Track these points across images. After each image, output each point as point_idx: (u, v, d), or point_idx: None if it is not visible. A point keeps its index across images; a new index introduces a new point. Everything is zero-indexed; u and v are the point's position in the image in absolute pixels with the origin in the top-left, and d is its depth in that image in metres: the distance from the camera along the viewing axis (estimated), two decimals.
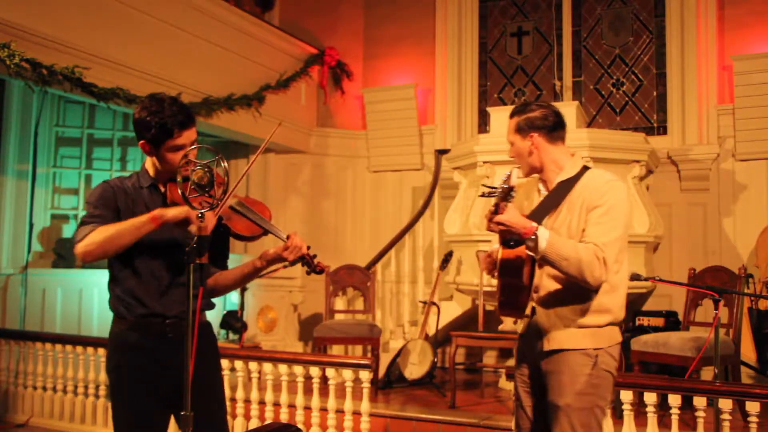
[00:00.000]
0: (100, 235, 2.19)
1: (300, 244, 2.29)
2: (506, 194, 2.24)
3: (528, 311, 2.48)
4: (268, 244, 2.38)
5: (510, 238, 2.29)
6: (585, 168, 2.51)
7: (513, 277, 2.32)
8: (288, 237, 2.30)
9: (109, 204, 2.31)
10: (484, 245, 4.42)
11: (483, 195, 2.34)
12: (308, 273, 2.39)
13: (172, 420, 2.40)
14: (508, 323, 4.78)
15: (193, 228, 2.10)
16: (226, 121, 5.76)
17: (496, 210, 2.25)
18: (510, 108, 2.63)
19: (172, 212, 2.18)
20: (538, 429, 2.51)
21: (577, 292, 2.38)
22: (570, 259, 2.27)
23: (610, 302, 2.42)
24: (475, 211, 5.20)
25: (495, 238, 2.64)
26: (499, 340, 4.91)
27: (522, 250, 2.29)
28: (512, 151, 2.58)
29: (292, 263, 2.34)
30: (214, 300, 2.52)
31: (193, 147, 2.22)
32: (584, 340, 2.39)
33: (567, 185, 2.46)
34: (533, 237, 2.26)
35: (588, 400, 2.37)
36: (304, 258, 2.33)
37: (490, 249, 2.52)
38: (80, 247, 2.20)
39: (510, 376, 2.58)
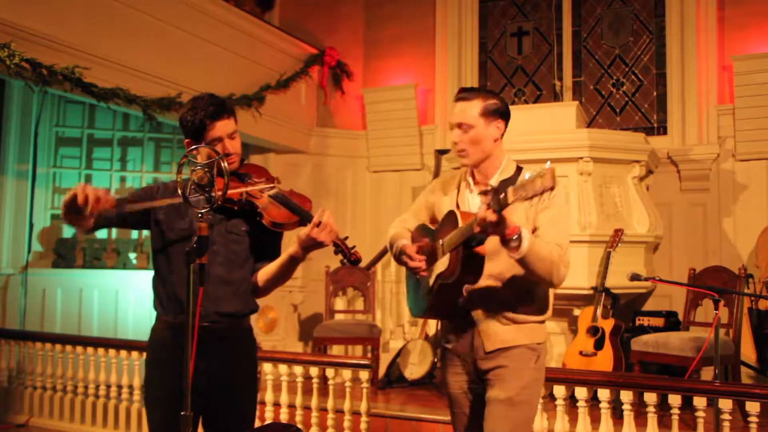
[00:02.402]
0: None
1: (331, 222, 2.18)
2: (542, 193, 1.91)
3: (460, 315, 2.41)
4: None
5: (477, 236, 2.13)
6: (519, 168, 2.41)
7: (473, 274, 2.23)
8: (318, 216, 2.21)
9: (141, 195, 2.38)
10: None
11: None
12: (343, 263, 2.34)
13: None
14: None
15: (80, 201, 2.06)
16: None
17: (502, 207, 2.00)
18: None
19: (66, 197, 2.14)
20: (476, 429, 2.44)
21: (518, 290, 2.34)
22: (545, 260, 2.19)
23: (547, 298, 2.42)
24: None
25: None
26: None
27: (482, 249, 2.19)
28: (467, 136, 2.34)
29: (334, 251, 2.28)
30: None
31: (192, 148, 2.17)
32: (527, 335, 2.36)
33: (509, 184, 2.26)
34: (516, 237, 2.11)
35: (529, 394, 2.35)
36: (339, 245, 2.28)
37: (402, 232, 2.48)
38: None
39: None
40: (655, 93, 6.24)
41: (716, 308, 3.28)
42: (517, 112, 5.59)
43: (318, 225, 2.17)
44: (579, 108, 5.55)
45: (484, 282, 2.33)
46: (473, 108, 2.34)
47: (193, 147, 2.19)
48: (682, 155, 5.83)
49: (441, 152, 6.16)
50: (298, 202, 2.36)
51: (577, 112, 5.41)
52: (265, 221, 2.30)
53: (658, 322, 5.04)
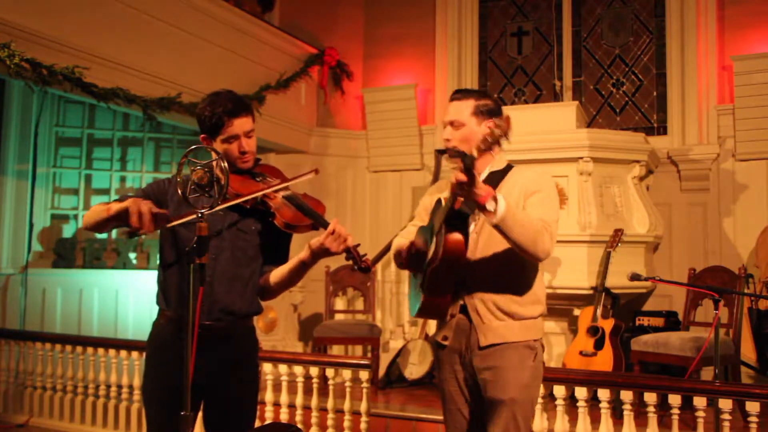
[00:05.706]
0: (90, 210, 2.30)
1: (343, 232, 2.20)
2: (501, 137, 2.02)
3: (455, 310, 2.39)
4: None
5: (458, 211, 2.18)
6: (510, 165, 2.48)
7: (455, 262, 2.22)
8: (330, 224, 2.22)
9: (151, 193, 2.33)
10: None
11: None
12: (353, 269, 2.33)
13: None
14: None
15: (133, 222, 2.06)
16: None
17: (471, 165, 2.02)
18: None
19: (116, 206, 2.15)
20: (473, 428, 2.46)
21: (510, 283, 2.34)
22: (525, 225, 2.17)
23: (541, 293, 2.41)
24: None
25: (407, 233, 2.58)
26: None
27: (461, 238, 2.22)
28: (458, 134, 2.43)
29: (345, 256, 2.27)
30: (268, 302, 2.48)
31: (193, 148, 2.17)
32: (523, 332, 2.35)
33: (498, 175, 2.41)
34: (493, 199, 2.11)
35: (530, 393, 2.36)
36: (351, 252, 2.27)
37: (403, 241, 2.48)
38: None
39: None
40: (655, 93, 6.24)
41: (716, 308, 3.28)
42: (517, 112, 5.63)
43: (332, 234, 2.20)
44: (579, 108, 5.55)
45: (477, 275, 2.34)
46: (466, 107, 2.44)
47: (194, 147, 2.18)
48: (682, 155, 5.83)
49: (441, 152, 6.16)
50: (311, 205, 2.36)
51: (577, 112, 5.41)
52: (278, 222, 2.29)
53: (658, 322, 5.04)
